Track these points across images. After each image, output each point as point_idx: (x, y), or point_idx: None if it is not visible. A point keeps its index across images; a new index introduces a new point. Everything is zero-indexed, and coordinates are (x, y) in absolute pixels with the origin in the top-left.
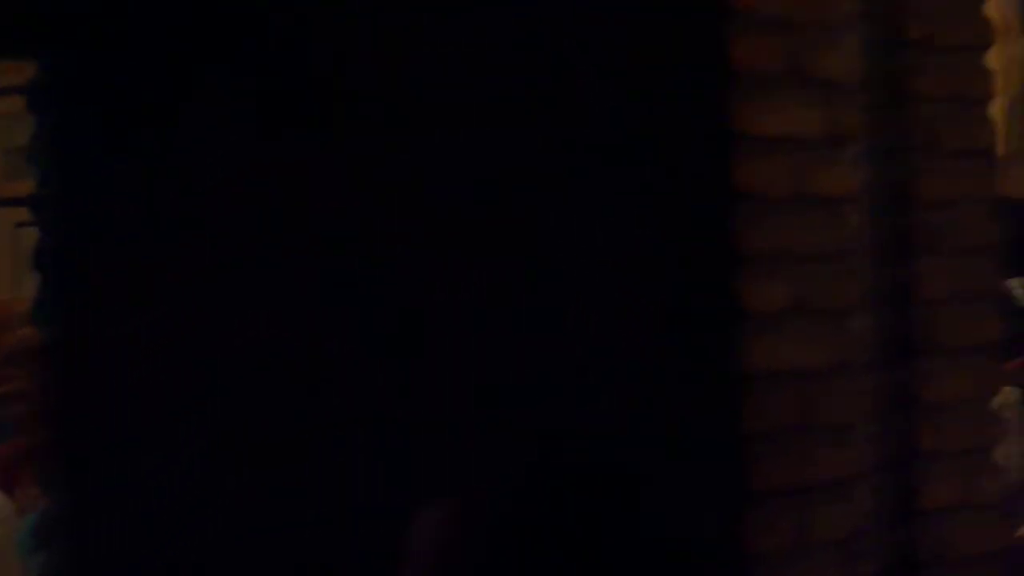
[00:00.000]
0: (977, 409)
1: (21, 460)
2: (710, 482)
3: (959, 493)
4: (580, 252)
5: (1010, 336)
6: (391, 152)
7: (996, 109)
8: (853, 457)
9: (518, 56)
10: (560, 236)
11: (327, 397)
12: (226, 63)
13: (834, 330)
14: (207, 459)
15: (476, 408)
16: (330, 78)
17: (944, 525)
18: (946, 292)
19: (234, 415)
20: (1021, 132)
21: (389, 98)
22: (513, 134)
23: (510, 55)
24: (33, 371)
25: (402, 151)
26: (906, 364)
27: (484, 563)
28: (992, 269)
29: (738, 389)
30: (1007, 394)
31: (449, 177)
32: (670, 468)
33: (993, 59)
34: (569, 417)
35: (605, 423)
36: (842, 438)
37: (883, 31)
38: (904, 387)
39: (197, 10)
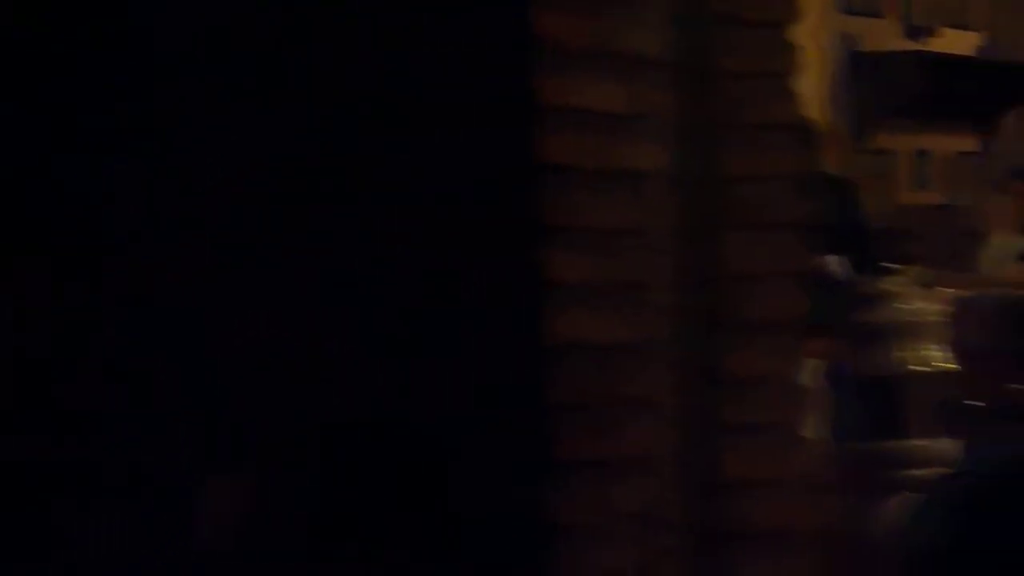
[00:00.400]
0: (782, 384)
1: None
2: (515, 454)
3: (763, 467)
4: (386, 224)
5: (826, 312)
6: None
7: (816, 87)
8: (657, 431)
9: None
10: (364, 209)
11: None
12: None
13: (639, 304)
14: None
15: (270, 382)
16: None
17: (748, 499)
18: (751, 268)
19: None
20: (840, 110)
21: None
22: (308, 107)
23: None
24: None
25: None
26: (711, 339)
27: (287, 536)
28: (798, 245)
29: (543, 362)
30: (813, 369)
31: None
32: (475, 441)
33: (811, 37)
34: (373, 390)
35: (410, 396)
36: (646, 412)
37: (688, 7)
38: (709, 362)
39: None
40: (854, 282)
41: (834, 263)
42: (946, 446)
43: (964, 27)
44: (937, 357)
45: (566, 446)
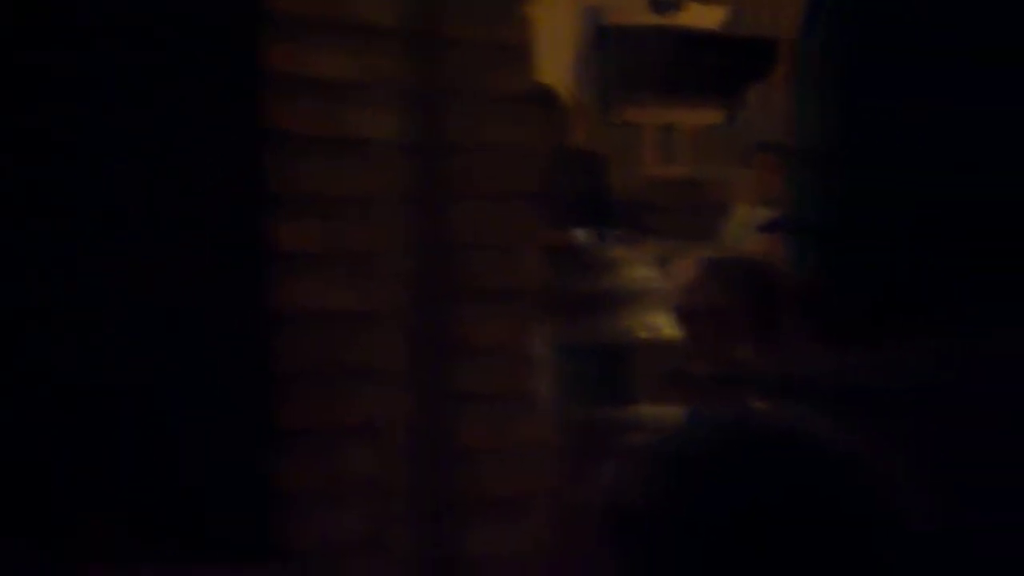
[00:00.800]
0: (513, 353)
1: None
2: (242, 424)
3: (495, 435)
4: (109, 193)
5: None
6: None
7: (562, 61)
8: (387, 399)
9: None
10: (90, 176)
11: None
12: None
13: (368, 273)
14: None
15: None
16: None
17: (480, 467)
18: (481, 237)
19: None
20: (586, 83)
21: None
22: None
23: None
24: None
25: None
26: (442, 308)
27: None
28: (529, 215)
29: (269, 330)
30: (544, 336)
31: None
32: (201, 411)
33: (557, 10)
34: (95, 361)
35: (133, 367)
36: (376, 380)
37: None
38: (440, 330)
39: None
40: (584, 251)
41: (580, 235)
42: (674, 413)
43: (710, 2)
44: (666, 325)
45: (293, 414)
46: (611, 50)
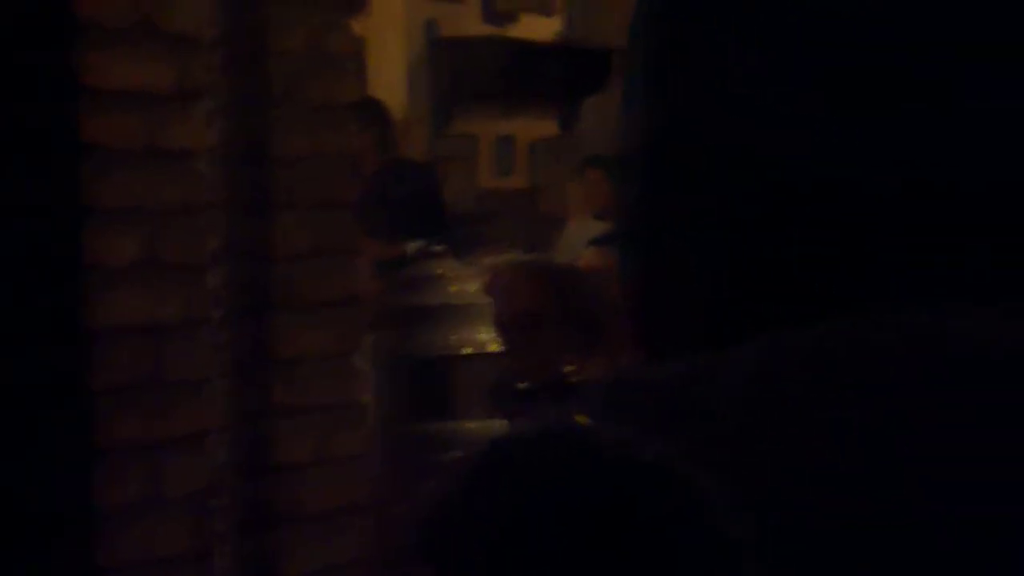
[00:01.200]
0: (336, 364)
1: None
2: (58, 440)
3: (316, 448)
4: None
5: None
6: None
7: (396, 72)
8: (206, 412)
9: None
10: None
11: None
12: None
13: (187, 285)
14: None
15: None
16: None
17: (300, 480)
18: (303, 248)
19: None
20: (421, 94)
21: None
22: None
23: None
24: None
25: None
26: (263, 319)
27: None
28: (351, 225)
29: (85, 345)
30: (366, 349)
31: None
32: (16, 432)
33: (391, 21)
34: None
35: None
36: (195, 393)
37: None
38: (260, 342)
39: None
40: (412, 263)
41: (411, 247)
42: (496, 426)
43: (544, 13)
44: (490, 339)
45: (110, 429)
46: (445, 61)
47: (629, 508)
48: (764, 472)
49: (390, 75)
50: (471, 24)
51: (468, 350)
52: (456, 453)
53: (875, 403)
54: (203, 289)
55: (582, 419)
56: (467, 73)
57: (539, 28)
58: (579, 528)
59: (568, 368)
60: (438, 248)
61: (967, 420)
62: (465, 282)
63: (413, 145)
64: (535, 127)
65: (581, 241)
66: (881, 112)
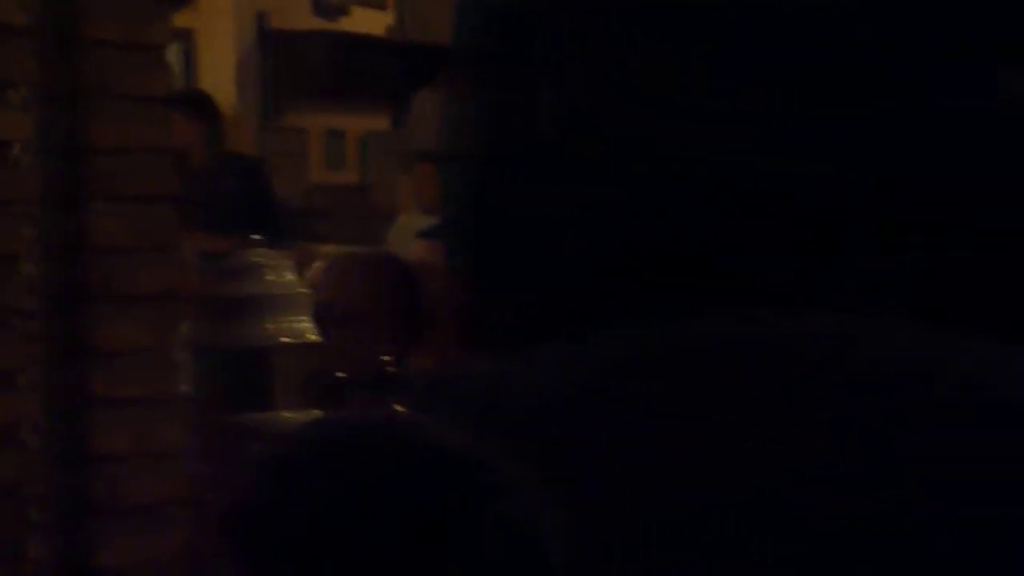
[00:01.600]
0: (153, 357)
1: None
2: None
3: (132, 440)
4: None
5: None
6: None
7: (224, 65)
8: (19, 403)
9: None
10: None
11: None
12: None
13: (2, 276)
14: None
15: None
16: None
17: (116, 472)
18: (119, 240)
19: None
20: (249, 88)
21: None
22: None
23: None
24: None
25: None
26: (78, 311)
27: None
28: (170, 218)
29: None
30: (183, 341)
31: None
32: None
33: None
34: None
35: None
36: (10, 384)
37: None
38: (76, 334)
39: None
40: (231, 255)
41: (235, 240)
42: (311, 418)
43: (375, 7)
44: (309, 330)
45: None
46: (275, 54)
47: (433, 498)
48: (583, 463)
49: (219, 68)
50: (302, 17)
51: (286, 340)
52: (265, 443)
53: (710, 400)
54: (17, 280)
55: (399, 410)
56: (296, 67)
57: (370, 22)
58: (385, 519)
59: (387, 360)
60: (255, 237)
61: (786, 414)
62: (282, 272)
63: (242, 139)
64: (366, 121)
65: (411, 235)
66: (779, 101)
